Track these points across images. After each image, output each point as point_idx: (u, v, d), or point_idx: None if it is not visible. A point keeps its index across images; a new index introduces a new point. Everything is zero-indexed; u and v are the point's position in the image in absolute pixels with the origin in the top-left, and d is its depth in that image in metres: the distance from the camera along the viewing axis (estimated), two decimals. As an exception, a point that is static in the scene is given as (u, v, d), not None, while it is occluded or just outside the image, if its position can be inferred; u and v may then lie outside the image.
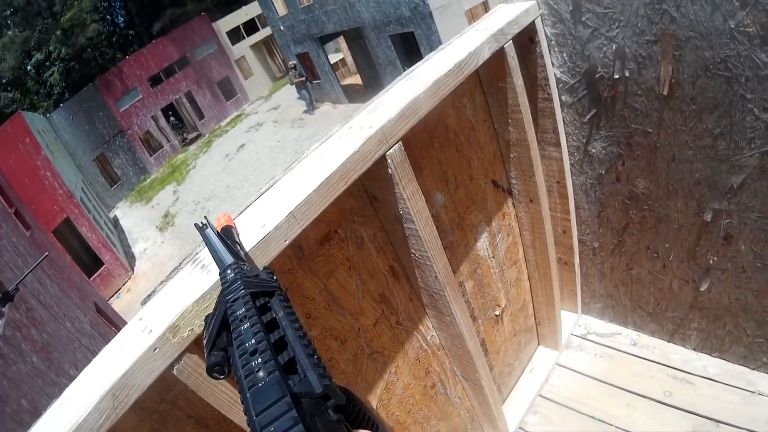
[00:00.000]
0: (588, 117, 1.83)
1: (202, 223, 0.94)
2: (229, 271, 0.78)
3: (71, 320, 8.38)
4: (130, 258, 18.64)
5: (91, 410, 0.89)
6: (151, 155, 29.00)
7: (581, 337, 2.50)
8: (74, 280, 10.74)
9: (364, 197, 1.45)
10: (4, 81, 35.30)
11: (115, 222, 24.08)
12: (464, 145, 1.76)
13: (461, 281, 1.88)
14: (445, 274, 1.53)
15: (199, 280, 1.00)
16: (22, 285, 7.21)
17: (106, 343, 0.99)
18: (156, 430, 1.12)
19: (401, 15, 15.69)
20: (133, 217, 23.41)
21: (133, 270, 17.57)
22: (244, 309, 0.66)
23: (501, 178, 1.98)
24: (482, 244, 1.95)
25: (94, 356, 0.99)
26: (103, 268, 16.80)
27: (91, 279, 15.64)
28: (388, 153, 1.27)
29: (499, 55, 1.60)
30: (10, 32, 36.21)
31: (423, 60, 1.55)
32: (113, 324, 10.81)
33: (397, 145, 1.29)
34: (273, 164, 18.54)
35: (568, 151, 2.00)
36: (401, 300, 1.63)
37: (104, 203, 26.05)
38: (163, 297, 1.04)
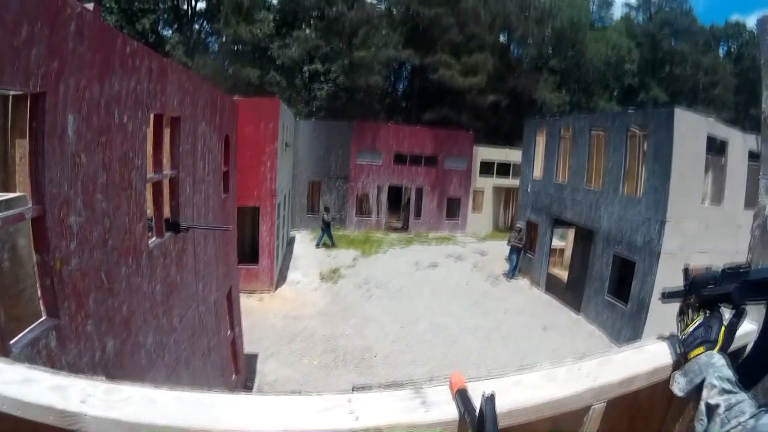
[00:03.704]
0: None
1: (491, 393, 1.07)
2: None
3: (205, 284, 8.45)
4: (281, 277, 19.11)
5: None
6: (356, 215, 30.10)
7: None
8: (230, 257, 11.01)
9: None
10: (279, 63, 37.94)
11: (291, 241, 25.20)
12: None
13: None
14: None
15: (416, 414, 1.14)
16: (192, 230, 7.40)
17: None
18: None
19: (633, 241, 15.62)
20: (308, 251, 24.30)
21: (275, 288, 17.92)
22: None
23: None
24: None
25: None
26: (254, 266, 17.34)
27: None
28: (594, 406, 1.33)
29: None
30: (308, 30, 39.52)
31: (654, 341, 1.54)
32: (232, 313, 10.85)
33: (600, 404, 1.35)
34: (449, 300, 18.35)
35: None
36: None
37: (293, 221, 27.45)
38: (378, 397, 1.20)
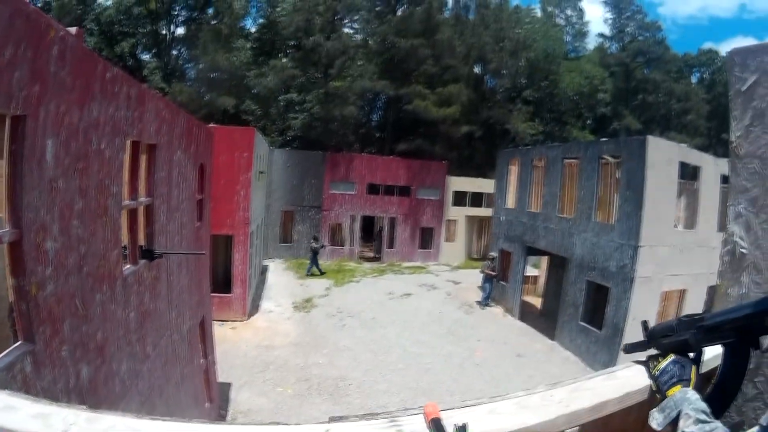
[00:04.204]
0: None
1: (463, 423, 1.09)
2: None
3: (178, 312, 8.33)
4: (254, 307, 18.91)
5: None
6: (330, 245, 29.88)
7: None
8: (203, 285, 10.91)
9: None
10: (255, 92, 38.48)
11: (264, 270, 25.00)
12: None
13: None
14: None
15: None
16: (166, 257, 7.34)
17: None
18: None
19: (606, 267, 15.89)
20: (281, 280, 24.15)
21: (248, 317, 17.71)
22: None
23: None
24: None
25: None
26: (227, 295, 17.13)
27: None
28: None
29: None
30: (285, 60, 39.87)
31: (625, 366, 1.64)
32: (205, 341, 10.70)
33: (574, 429, 1.38)
34: (422, 329, 18.30)
35: None
36: None
37: (266, 250, 27.25)
38: (354, 427, 1.22)
